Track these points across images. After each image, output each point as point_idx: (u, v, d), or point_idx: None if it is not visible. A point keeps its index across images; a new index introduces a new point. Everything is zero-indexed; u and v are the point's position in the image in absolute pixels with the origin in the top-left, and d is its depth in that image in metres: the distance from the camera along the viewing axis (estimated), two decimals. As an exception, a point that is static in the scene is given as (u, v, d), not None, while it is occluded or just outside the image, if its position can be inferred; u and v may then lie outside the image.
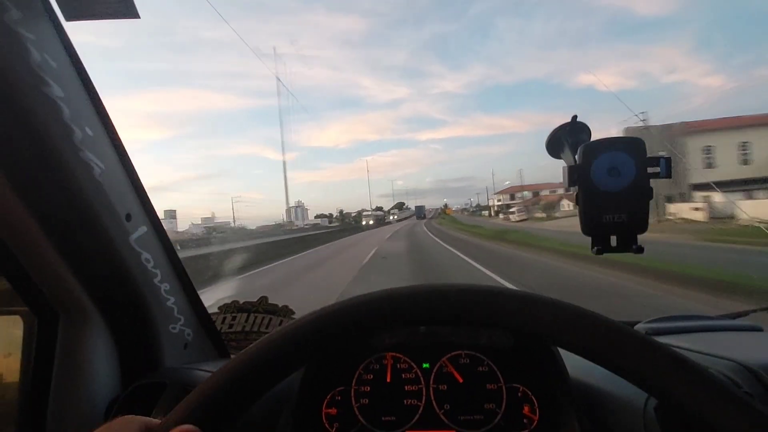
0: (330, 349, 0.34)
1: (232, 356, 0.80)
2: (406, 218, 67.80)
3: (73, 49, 0.48)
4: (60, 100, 0.45)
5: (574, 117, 0.55)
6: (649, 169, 0.45)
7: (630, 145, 0.45)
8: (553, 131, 0.56)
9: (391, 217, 68.94)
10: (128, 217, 0.56)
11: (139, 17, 0.46)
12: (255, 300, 0.84)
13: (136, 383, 0.58)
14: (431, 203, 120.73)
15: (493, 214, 59.05)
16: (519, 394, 0.58)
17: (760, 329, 0.70)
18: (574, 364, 0.56)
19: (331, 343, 0.33)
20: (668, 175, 0.44)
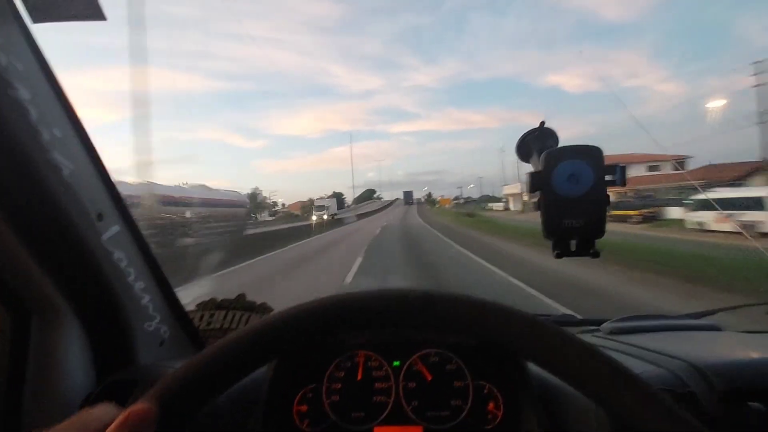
0: (299, 347, 0.35)
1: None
2: (375, 211, 52.50)
3: (40, 51, 0.48)
4: (27, 103, 0.45)
5: (542, 123, 0.57)
6: (606, 177, 0.47)
7: (589, 153, 0.47)
8: (522, 136, 0.58)
9: (347, 215, 39.75)
10: (100, 217, 0.56)
11: (106, 19, 0.46)
12: (233, 297, 0.85)
13: (108, 380, 0.58)
14: (401, 197, 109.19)
15: (512, 207, 45.34)
16: (485, 391, 0.60)
17: (718, 329, 0.73)
18: None
19: (297, 342, 0.34)
20: (623, 183, 0.46)
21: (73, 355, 0.59)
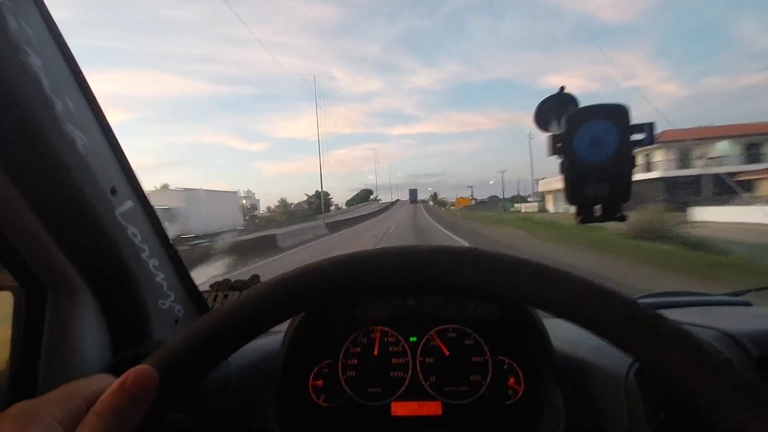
0: (321, 305, 0.34)
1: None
2: (365, 217, 37.58)
3: (51, 17, 0.47)
4: (39, 69, 0.45)
5: (562, 88, 0.55)
6: (633, 137, 0.45)
7: (614, 113, 0.45)
8: (540, 103, 0.56)
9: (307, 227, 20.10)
10: (113, 191, 0.56)
11: None
12: (246, 279, 0.84)
13: (122, 354, 0.58)
14: (403, 196, 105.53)
15: (551, 207, 36.52)
16: (505, 366, 0.59)
17: (749, 304, 0.70)
18: (559, 335, 0.57)
19: (319, 298, 0.33)
20: (651, 142, 0.44)
21: (88, 331, 0.59)
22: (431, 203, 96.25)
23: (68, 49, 0.49)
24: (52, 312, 0.58)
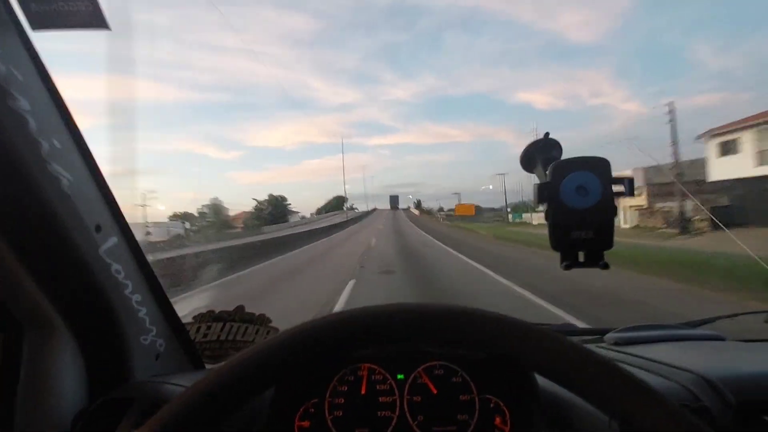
0: (309, 364, 0.34)
1: (207, 366, 0.79)
2: (327, 230, 28.13)
3: (40, 60, 0.47)
4: (26, 113, 0.44)
5: (546, 134, 0.57)
6: (615, 188, 0.47)
7: (597, 165, 0.47)
8: (526, 147, 0.58)
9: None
10: (98, 228, 0.55)
11: (110, 29, 0.45)
12: (231, 309, 0.83)
13: (103, 398, 0.56)
14: (381, 206, 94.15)
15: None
16: (491, 405, 0.59)
17: (722, 339, 0.73)
18: None
19: (304, 360, 0.33)
20: (631, 194, 0.46)
21: (66, 371, 0.58)
22: (414, 211, 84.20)
23: (57, 90, 0.49)
24: (29, 352, 0.56)
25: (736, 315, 0.97)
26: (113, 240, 0.58)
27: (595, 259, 0.49)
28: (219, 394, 0.31)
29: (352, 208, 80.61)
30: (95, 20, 0.45)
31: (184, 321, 0.77)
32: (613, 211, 0.47)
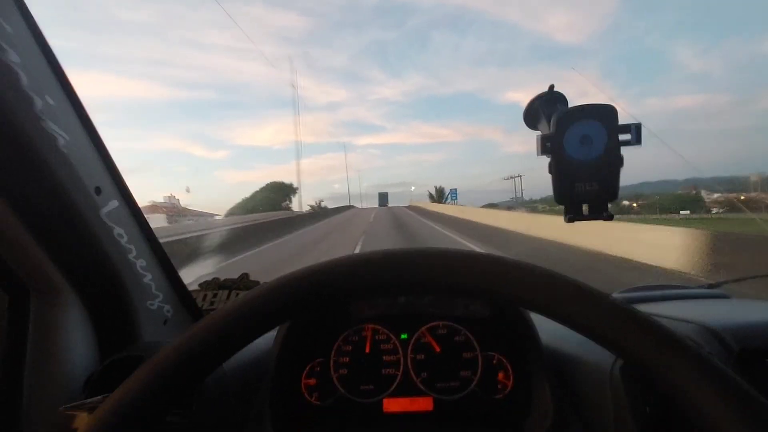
0: (301, 317, 0.34)
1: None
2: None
3: (31, 14, 0.46)
4: (17, 66, 0.43)
5: (551, 86, 0.55)
6: (621, 137, 0.45)
7: (602, 113, 0.46)
8: (530, 102, 0.56)
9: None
10: (98, 191, 0.55)
11: None
12: (236, 277, 0.84)
13: (111, 357, 0.57)
14: (370, 205, 77.34)
15: None
16: (494, 362, 0.60)
17: (727, 297, 0.73)
18: (547, 330, 0.58)
19: (296, 309, 0.33)
20: (638, 142, 0.45)
21: (74, 335, 0.58)
22: (421, 206, 51.01)
23: (49, 46, 0.48)
24: (36, 315, 0.57)
25: (743, 279, 0.96)
26: (114, 203, 0.58)
27: (599, 211, 0.48)
28: (220, 334, 0.30)
29: (319, 206, 57.13)
30: None
31: (190, 288, 0.77)
32: (619, 161, 0.46)
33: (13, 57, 0.43)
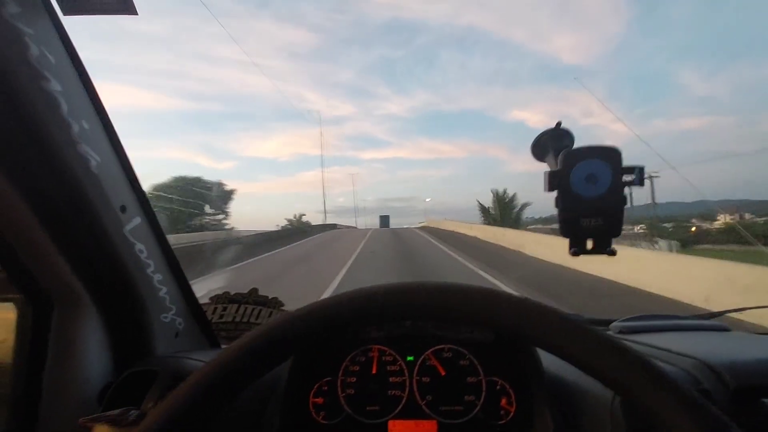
0: (316, 342, 0.35)
1: (223, 346, 0.82)
2: None
3: (71, 43, 0.49)
4: (58, 95, 0.46)
5: (558, 123, 0.58)
6: (625, 177, 0.48)
7: (608, 154, 0.48)
8: (538, 136, 0.59)
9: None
10: (123, 209, 0.57)
11: (137, 14, 0.47)
12: (246, 292, 0.86)
13: (129, 370, 0.59)
14: (372, 222, 73.16)
15: None
16: (497, 387, 0.61)
17: (727, 329, 0.74)
18: (550, 358, 0.59)
19: (311, 339, 0.35)
20: (641, 183, 0.47)
21: (92, 344, 0.60)
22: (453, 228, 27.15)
23: (87, 73, 0.51)
24: (58, 325, 0.59)
25: (744, 309, 0.97)
26: (137, 220, 0.60)
27: (603, 246, 0.50)
28: (234, 369, 0.32)
29: (299, 220, 45.17)
30: (124, 5, 0.46)
31: (201, 302, 0.79)
32: (623, 200, 0.48)
33: (56, 86, 0.46)
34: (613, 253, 0.49)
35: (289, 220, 48.11)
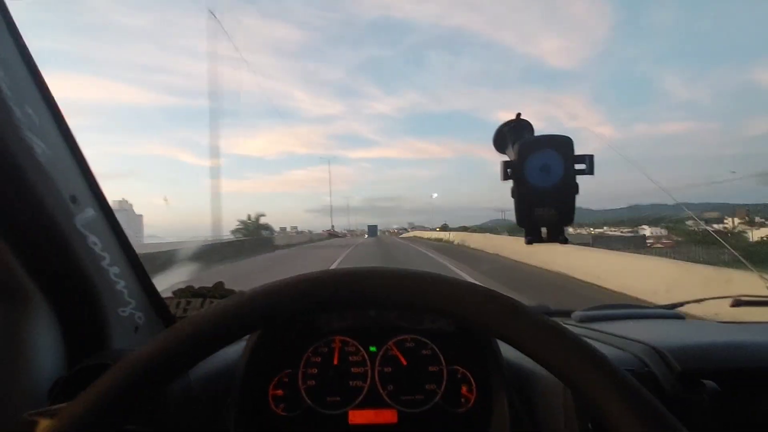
0: (275, 323, 0.35)
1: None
2: None
3: (14, 25, 0.47)
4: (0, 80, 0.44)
5: (518, 114, 0.58)
6: (577, 167, 0.49)
7: (561, 143, 0.49)
8: (498, 127, 0.59)
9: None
10: (73, 199, 0.56)
11: None
12: (210, 285, 0.84)
13: (80, 365, 0.57)
14: (361, 221, 73.18)
15: None
16: (459, 376, 0.62)
17: (682, 317, 0.76)
18: (509, 346, 0.60)
19: (273, 318, 0.34)
20: (592, 172, 0.48)
21: (42, 341, 0.58)
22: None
23: (31, 56, 0.49)
24: (4, 321, 0.57)
25: (703, 300, 1.01)
26: (89, 211, 0.58)
27: (556, 235, 0.51)
28: (185, 344, 0.32)
29: (255, 220, 34.69)
30: None
31: (163, 296, 0.78)
32: (575, 189, 0.49)
33: None
34: (565, 241, 0.50)
35: (242, 223, 33.82)
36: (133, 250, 0.68)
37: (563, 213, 0.49)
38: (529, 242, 0.51)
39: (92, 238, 0.59)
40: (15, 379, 0.56)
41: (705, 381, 0.48)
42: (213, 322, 0.32)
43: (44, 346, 0.58)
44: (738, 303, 0.89)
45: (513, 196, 0.51)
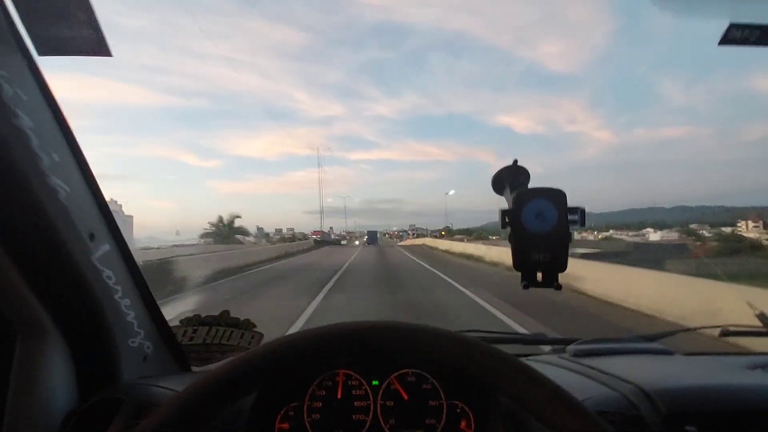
0: (284, 371, 0.38)
1: (194, 369, 0.82)
2: None
3: (45, 82, 0.50)
4: (30, 130, 0.48)
5: (515, 161, 0.62)
6: (569, 217, 0.52)
7: (554, 195, 0.52)
8: (497, 173, 0.63)
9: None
10: (91, 237, 0.58)
11: (111, 56, 0.49)
12: (217, 314, 0.86)
13: (93, 398, 0.59)
14: (360, 223, 72.60)
15: None
16: (458, 410, 0.64)
17: (670, 353, 0.79)
18: None
19: (285, 368, 0.38)
20: (583, 224, 0.51)
21: (56, 373, 0.60)
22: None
23: (59, 108, 0.52)
24: (21, 355, 0.59)
25: (693, 329, 1.04)
26: (106, 247, 0.61)
27: (551, 280, 0.54)
28: (207, 398, 0.34)
29: (229, 224, 29.90)
30: (98, 47, 0.48)
31: (171, 324, 0.80)
32: (568, 236, 0.52)
33: (27, 123, 0.47)
34: (559, 287, 0.53)
35: (213, 225, 28.06)
36: (144, 280, 0.71)
37: (557, 259, 0.53)
38: (525, 287, 0.54)
39: (107, 273, 0.61)
40: (29, 413, 0.57)
41: (687, 427, 0.51)
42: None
43: (57, 378, 0.60)
44: (726, 333, 0.92)
45: (510, 241, 0.54)
